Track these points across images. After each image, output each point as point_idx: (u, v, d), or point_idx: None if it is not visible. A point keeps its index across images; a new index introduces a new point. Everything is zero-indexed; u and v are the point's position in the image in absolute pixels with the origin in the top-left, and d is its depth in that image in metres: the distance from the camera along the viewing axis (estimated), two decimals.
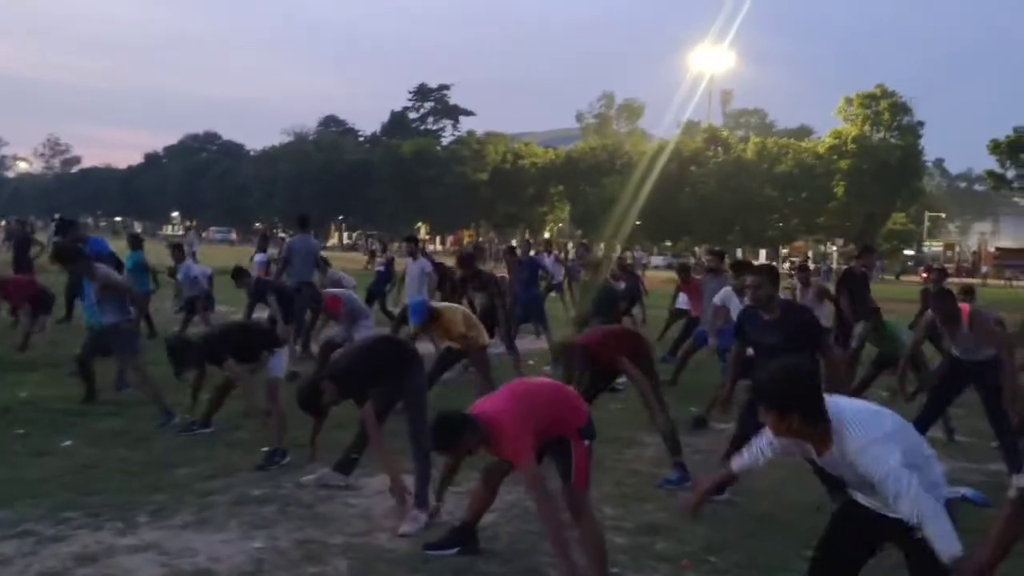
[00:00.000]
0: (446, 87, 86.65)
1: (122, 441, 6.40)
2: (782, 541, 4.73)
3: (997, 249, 65.22)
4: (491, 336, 8.52)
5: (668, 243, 64.46)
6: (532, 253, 14.87)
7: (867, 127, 58.04)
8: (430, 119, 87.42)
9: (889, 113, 57.74)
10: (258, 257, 14.99)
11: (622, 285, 12.82)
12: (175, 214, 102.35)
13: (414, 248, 11.24)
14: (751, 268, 6.15)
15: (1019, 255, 61.18)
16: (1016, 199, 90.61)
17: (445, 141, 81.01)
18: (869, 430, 2.79)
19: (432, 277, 10.84)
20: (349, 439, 5.61)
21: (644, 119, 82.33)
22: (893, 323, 8.66)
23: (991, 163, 57.81)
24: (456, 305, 8.38)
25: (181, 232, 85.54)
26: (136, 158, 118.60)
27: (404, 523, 4.74)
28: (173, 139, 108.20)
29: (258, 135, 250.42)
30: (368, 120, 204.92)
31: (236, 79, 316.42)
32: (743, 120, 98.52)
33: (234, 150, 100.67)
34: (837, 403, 2.89)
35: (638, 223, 58.71)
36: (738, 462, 3.37)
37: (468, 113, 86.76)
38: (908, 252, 67.34)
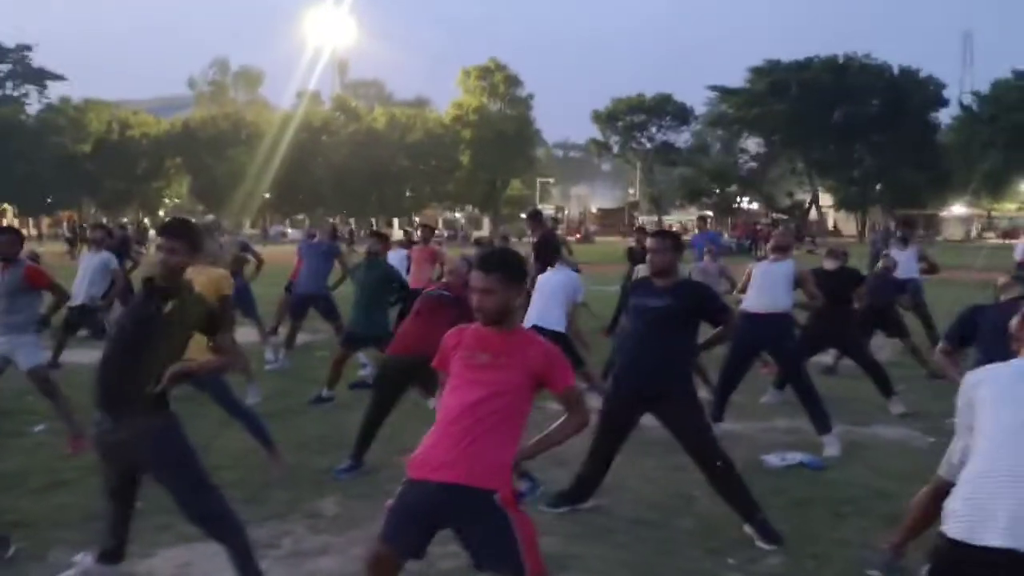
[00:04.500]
0: (27, 47, 75.07)
1: None
2: (693, 548, 4.26)
3: (599, 210, 72.87)
4: None
5: (301, 216, 62.63)
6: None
7: (485, 98, 61.07)
8: (9, 84, 75.35)
9: (504, 85, 61.26)
10: None
11: None
12: None
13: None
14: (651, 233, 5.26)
15: (617, 214, 69.07)
16: (604, 166, 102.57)
17: (32, 109, 70.37)
18: None
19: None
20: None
21: (264, 88, 78.64)
22: None
23: (588, 133, 64.83)
24: None
25: None
26: None
27: None
28: None
29: None
30: None
31: None
32: (361, 91, 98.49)
33: None
34: None
35: (267, 195, 56.33)
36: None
37: (58, 77, 76.10)
38: (523, 215, 72.60)
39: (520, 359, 2.95)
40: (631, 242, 13.52)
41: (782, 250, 6.63)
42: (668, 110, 60.68)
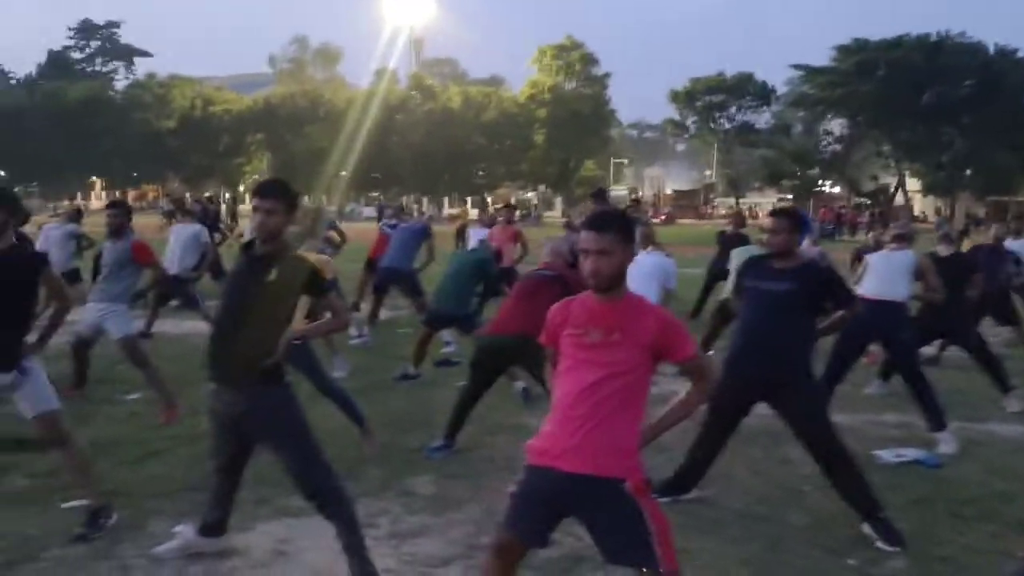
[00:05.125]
0: (116, 24, 77.43)
1: None
2: (808, 546, 4.02)
3: (674, 191, 71.70)
4: None
5: (376, 193, 63.19)
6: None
7: (561, 77, 60.48)
8: (99, 60, 77.83)
9: (580, 64, 60.56)
10: None
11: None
12: None
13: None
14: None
15: (692, 196, 67.91)
16: (679, 147, 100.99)
17: (120, 85, 72.48)
18: None
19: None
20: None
21: (342, 65, 79.31)
22: None
23: (663, 113, 63.77)
24: None
25: None
26: None
27: None
28: None
29: None
30: (19, 60, 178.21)
31: None
32: (436, 69, 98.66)
33: None
34: None
35: (343, 173, 56.92)
36: None
37: (144, 54, 78.42)
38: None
39: (633, 332, 2.69)
40: (706, 224, 13.09)
41: (903, 239, 6.29)
42: (749, 90, 59.19)
